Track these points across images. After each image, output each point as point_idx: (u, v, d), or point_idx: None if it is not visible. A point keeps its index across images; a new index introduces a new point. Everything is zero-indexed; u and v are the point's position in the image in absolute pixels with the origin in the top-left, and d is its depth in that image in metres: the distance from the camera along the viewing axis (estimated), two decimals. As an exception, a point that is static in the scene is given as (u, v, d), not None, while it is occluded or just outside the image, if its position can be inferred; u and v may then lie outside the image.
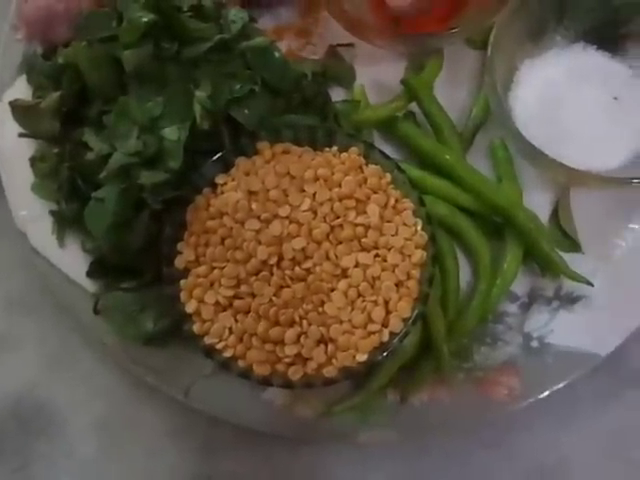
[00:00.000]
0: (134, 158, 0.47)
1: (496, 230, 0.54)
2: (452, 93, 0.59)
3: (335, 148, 0.50)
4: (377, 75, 0.60)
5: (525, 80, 0.56)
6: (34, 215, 0.56)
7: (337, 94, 0.58)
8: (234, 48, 0.50)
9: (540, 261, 0.54)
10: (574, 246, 0.55)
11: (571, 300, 0.53)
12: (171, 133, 0.48)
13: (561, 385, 0.50)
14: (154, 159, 0.48)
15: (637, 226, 0.55)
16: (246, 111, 0.49)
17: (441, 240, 0.53)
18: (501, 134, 0.56)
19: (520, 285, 0.54)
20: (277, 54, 0.51)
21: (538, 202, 0.56)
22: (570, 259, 0.54)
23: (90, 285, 0.54)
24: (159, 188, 0.47)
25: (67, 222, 0.55)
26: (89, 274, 0.53)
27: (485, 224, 0.54)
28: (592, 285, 0.52)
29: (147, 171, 0.47)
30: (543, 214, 0.56)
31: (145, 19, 0.48)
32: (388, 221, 0.48)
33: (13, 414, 0.56)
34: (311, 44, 0.61)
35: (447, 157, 0.54)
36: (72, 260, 0.54)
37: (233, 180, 0.49)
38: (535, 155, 0.52)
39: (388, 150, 0.56)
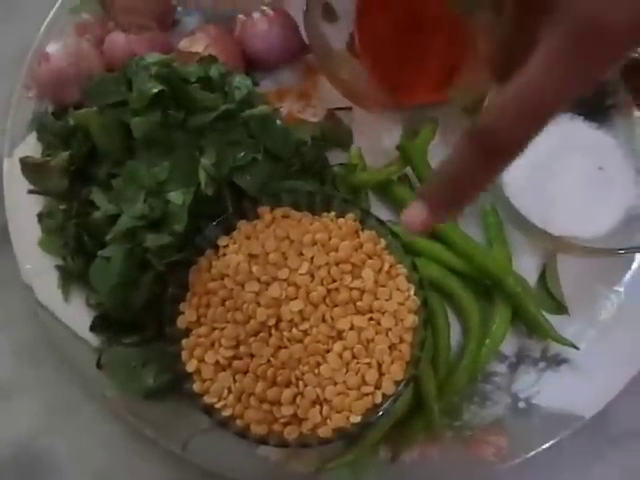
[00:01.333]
0: (140, 221, 0.49)
1: (486, 292, 0.57)
2: (445, 155, 0.61)
3: (333, 213, 0.52)
4: (374, 138, 0.62)
5: (515, 148, 0.58)
6: (40, 269, 0.57)
7: (335, 156, 0.61)
8: (238, 116, 0.52)
9: (528, 323, 0.56)
10: (561, 309, 0.57)
11: (557, 362, 0.55)
12: (176, 197, 0.50)
13: (546, 445, 0.52)
14: (159, 222, 0.50)
15: (622, 289, 0.58)
16: (248, 177, 0.51)
17: (433, 301, 0.55)
18: (492, 200, 0.58)
19: (508, 345, 0.56)
20: (278, 122, 0.54)
21: (526, 265, 0.58)
22: (557, 321, 0.56)
23: (93, 339, 0.55)
24: (164, 250, 0.50)
25: (72, 277, 0.56)
26: (92, 328, 0.55)
27: (475, 286, 0.57)
28: (577, 348, 0.54)
29: (152, 234, 0.50)
30: (531, 277, 0.58)
31: (155, 90, 0.50)
32: (382, 286, 0.50)
33: (13, 462, 0.57)
34: (311, 106, 0.64)
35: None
36: (76, 314, 0.56)
37: (234, 243, 0.51)
38: (523, 223, 0.55)
39: (383, 212, 0.59)
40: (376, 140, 0.62)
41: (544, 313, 0.56)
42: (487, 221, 0.58)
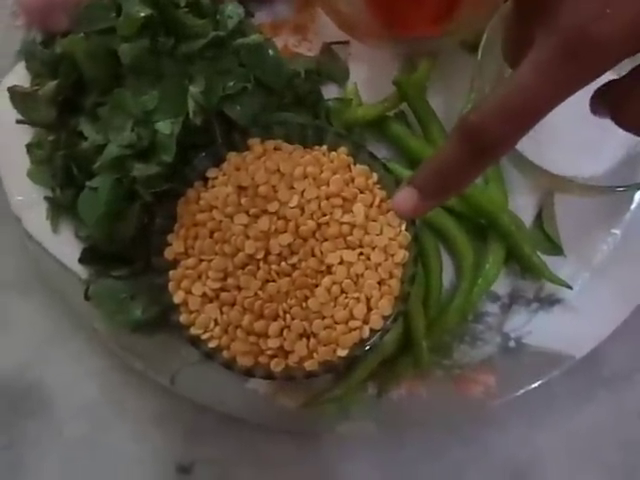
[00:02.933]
0: (128, 150, 0.48)
1: (480, 231, 0.56)
2: (445, 95, 0.60)
3: (325, 147, 0.51)
4: (370, 74, 0.61)
5: (514, 84, 0.57)
6: (29, 201, 0.57)
7: (330, 91, 0.59)
8: (229, 45, 0.50)
9: (522, 263, 0.55)
10: (556, 249, 0.56)
11: (550, 302, 0.55)
12: (165, 127, 0.49)
13: (536, 384, 0.52)
14: (147, 152, 0.49)
15: (618, 231, 0.57)
16: (238, 108, 0.49)
17: (426, 239, 0.54)
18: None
19: (501, 286, 0.55)
20: (271, 52, 0.52)
21: (523, 205, 0.57)
22: (552, 262, 0.55)
23: (82, 271, 0.55)
24: (151, 180, 0.49)
25: (61, 209, 0.56)
26: (81, 260, 0.55)
27: (470, 225, 0.56)
28: (571, 288, 0.54)
29: (140, 163, 0.49)
30: (527, 217, 0.57)
31: (142, 14, 0.48)
32: (373, 220, 0.49)
33: (2, 393, 0.57)
34: (307, 40, 0.62)
35: (435, 158, 0.55)
36: (65, 246, 0.55)
37: (224, 175, 0.50)
38: (520, 160, 0.53)
39: (378, 149, 0.58)
40: (373, 75, 0.60)
41: (539, 254, 0.55)
42: (484, 160, 0.57)
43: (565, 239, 0.56)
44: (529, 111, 0.34)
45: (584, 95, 0.55)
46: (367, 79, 0.60)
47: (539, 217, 0.57)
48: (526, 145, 0.54)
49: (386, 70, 0.60)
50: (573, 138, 0.55)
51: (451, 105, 0.60)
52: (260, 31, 0.56)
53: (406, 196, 0.37)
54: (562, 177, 0.52)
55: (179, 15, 0.50)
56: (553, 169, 0.53)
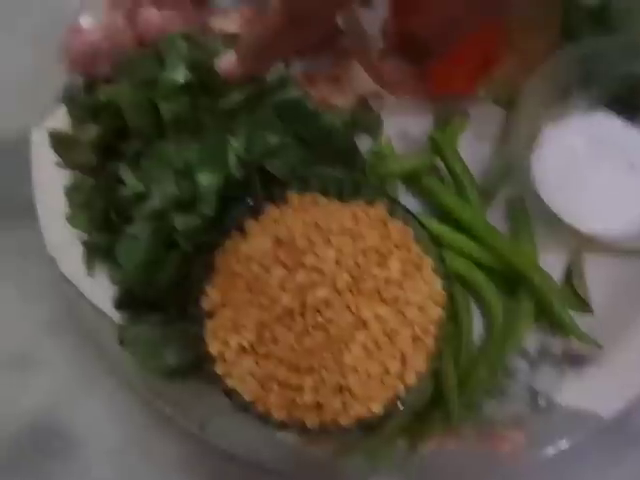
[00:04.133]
0: (170, 203, 0.49)
1: (510, 286, 0.56)
2: (476, 146, 0.61)
3: (361, 202, 0.52)
4: (404, 126, 0.62)
5: (547, 142, 0.58)
6: (65, 243, 0.58)
7: (364, 143, 0.60)
8: (268, 99, 0.52)
9: (551, 320, 0.55)
10: (585, 307, 0.56)
11: (579, 361, 0.55)
12: (206, 179, 0.50)
13: (565, 444, 0.52)
14: (188, 204, 0.50)
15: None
16: (278, 162, 0.50)
17: (457, 294, 0.55)
18: (520, 193, 0.58)
19: (531, 342, 0.56)
20: (310, 106, 0.53)
21: (552, 260, 0.58)
22: (580, 319, 0.56)
23: (116, 315, 0.56)
24: (192, 232, 0.49)
25: (97, 252, 0.56)
26: (116, 305, 0.55)
27: (500, 280, 0.56)
28: (600, 347, 0.54)
29: (181, 215, 0.49)
30: (557, 272, 0.58)
31: (181, 80, 0.50)
32: (409, 277, 0.50)
33: (31, 433, 0.58)
34: (342, 92, 0.63)
35: (467, 215, 0.56)
36: (100, 289, 0.56)
37: (262, 227, 0.51)
38: (551, 218, 0.54)
39: (411, 201, 0.59)
40: (406, 128, 0.62)
41: (569, 310, 0.56)
42: (514, 213, 0.58)
43: (594, 296, 0.57)
44: None
45: (615, 157, 0.56)
46: (400, 131, 0.62)
47: (569, 273, 0.57)
48: (556, 201, 0.55)
49: (419, 123, 0.62)
50: (604, 198, 0.56)
51: (481, 156, 0.61)
52: (298, 85, 0.57)
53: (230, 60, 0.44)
54: (592, 236, 0.53)
55: (218, 79, 0.51)
56: (583, 226, 0.55)
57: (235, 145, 0.49)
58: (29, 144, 0.61)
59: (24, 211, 0.60)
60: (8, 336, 0.59)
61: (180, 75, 0.51)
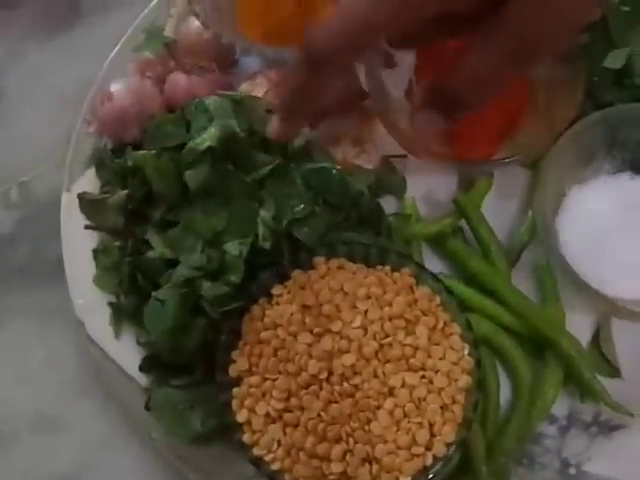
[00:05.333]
0: (198, 272, 0.49)
1: (538, 351, 0.56)
2: (501, 208, 0.61)
3: (388, 267, 0.52)
4: (428, 187, 0.62)
5: (572, 205, 0.58)
6: (93, 305, 0.58)
7: (388, 203, 0.61)
8: (295, 168, 0.52)
9: (580, 386, 0.55)
10: (613, 372, 0.56)
11: (610, 428, 0.54)
12: (233, 248, 0.50)
13: (596, 513, 0.51)
14: (216, 272, 0.50)
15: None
16: (306, 229, 0.51)
17: (484, 358, 0.54)
18: (547, 256, 0.58)
19: (559, 407, 0.55)
20: (336, 173, 0.54)
21: (580, 323, 0.57)
22: (611, 384, 0.55)
23: (142, 378, 0.56)
24: (219, 299, 0.50)
25: (124, 315, 0.57)
26: (142, 368, 0.56)
27: (527, 344, 0.56)
28: (632, 415, 0.53)
29: (209, 283, 0.50)
30: (585, 334, 0.57)
31: (202, 147, 0.51)
32: (436, 344, 0.50)
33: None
34: (366, 152, 0.64)
35: (493, 278, 0.56)
36: (126, 352, 0.57)
37: (289, 292, 0.51)
38: (578, 282, 0.54)
39: (437, 263, 0.59)
40: (430, 189, 0.62)
41: (597, 375, 0.55)
42: (541, 277, 0.58)
43: (623, 361, 0.56)
44: (362, 33, 0.37)
45: (638, 219, 0.56)
46: (425, 193, 0.62)
47: (596, 337, 0.57)
48: (582, 265, 0.55)
49: (443, 184, 0.62)
50: (631, 262, 0.55)
51: (506, 217, 0.61)
52: (324, 149, 0.58)
53: (274, 124, 0.43)
54: (620, 302, 0.53)
55: (244, 147, 0.52)
56: (610, 291, 0.54)
57: (263, 215, 0.50)
58: (59, 206, 0.62)
59: (53, 272, 0.61)
60: (35, 397, 0.60)
61: (205, 142, 0.51)
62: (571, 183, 0.58)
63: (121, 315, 0.57)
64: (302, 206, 0.51)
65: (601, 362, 0.56)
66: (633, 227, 0.57)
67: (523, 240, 0.59)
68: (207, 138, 0.52)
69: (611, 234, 0.57)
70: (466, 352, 0.50)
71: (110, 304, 0.57)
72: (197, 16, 0.58)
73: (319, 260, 0.52)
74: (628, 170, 0.59)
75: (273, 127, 0.43)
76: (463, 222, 0.60)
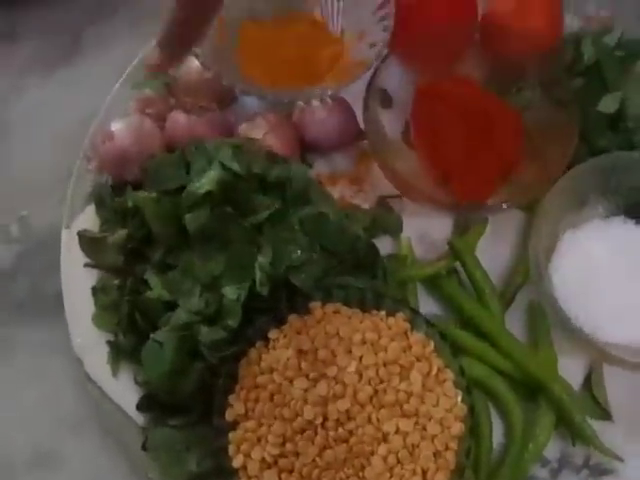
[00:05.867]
0: (196, 316, 0.50)
1: (531, 394, 0.56)
2: (495, 249, 0.62)
3: (383, 312, 0.53)
4: (424, 227, 0.63)
5: (566, 249, 0.59)
6: (91, 343, 0.59)
7: (384, 243, 0.61)
8: (294, 213, 0.53)
9: (571, 430, 0.55)
10: (604, 415, 0.56)
11: (600, 472, 0.55)
12: (231, 292, 0.51)
13: None
14: (213, 316, 0.51)
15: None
16: (303, 276, 0.52)
17: (476, 401, 0.55)
18: (540, 300, 0.58)
19: (551, 450, 0.56)
20: (333, 218, 0.55)
21: (573, 365, 0.58)
22: (601, 426, 0.56)
23: (139, 417, 0.56)
24: (217, 344, 0.50)
25: (123, 353, 0.57)
26: (139, 407, 0.56)
27: (520, 387, 0.56)
28: (621, 460, 0.54)
29: (207, 328, 0.50)
30: (576, 377, 0.58)
31: (202, 191, 0.52)
32: (430, 390, 0.51)
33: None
34: (363, 192, 0.65)
35: (487, 322, 0.56)
36: (124, 390, 0.57)
37: (285, 337, 0.52)
38: (570, 325, 0.55)
39: (431, 303, 0.60)
40: (426, 230, 0.63)
41: (588, 417, 0.56)
42: (534, 320, 0.59)
43: (614, 404, 0.57)
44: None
45: (633, 262, 0.57)
46: (420, 233, 0.63)
47: (588, 379, 0.58)
48: (575, 309, 0.56)
49: (439, 224, 0.63)
50: (622, 307, 0.56)
51: (501, 259, 0.62)
52: (322, 190, 0.59)
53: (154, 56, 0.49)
54: (611, 349, 0.54)
55: (243, 191, 0.52)
56: (602, 335, 0.55)
57: (261, 261, 0.50)
58: (59, 241, 0.62)
59: (52, 307, 0.61)
60: (32, 432, 0.60)
61: (204, 186, 0.52)
62: (565, 227, 0.59)
63: (119, 354, 0.57)
64: (299, 252, 0.51)
65: (592, 405, 0.57)
66: (624, 271, 0.58)
67: (517, 282, 0.60)
68: (206, 182, 0.53)
69: (603, 279, 0.57)
70: (459, 399, 0.50)
71: (108, 342, 0.58)
72: (197, 57, 0.59)
73: (315, 304, 0.53)
74: (621, 214, 0.60)
75: (152, 59, 0.50)
76: (458, 263, 0.60)
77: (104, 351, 0.58)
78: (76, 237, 0.61)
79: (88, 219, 0.62)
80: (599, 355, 0.56)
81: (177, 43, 0.50)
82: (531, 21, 0.63)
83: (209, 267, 0.52)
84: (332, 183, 0.65)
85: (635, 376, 0.57)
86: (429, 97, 0.64)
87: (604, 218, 0.60)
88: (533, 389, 0.56)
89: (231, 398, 0.51)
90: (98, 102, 0.66)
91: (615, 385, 0.57)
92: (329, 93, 0.60)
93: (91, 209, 0.63)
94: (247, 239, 0.52)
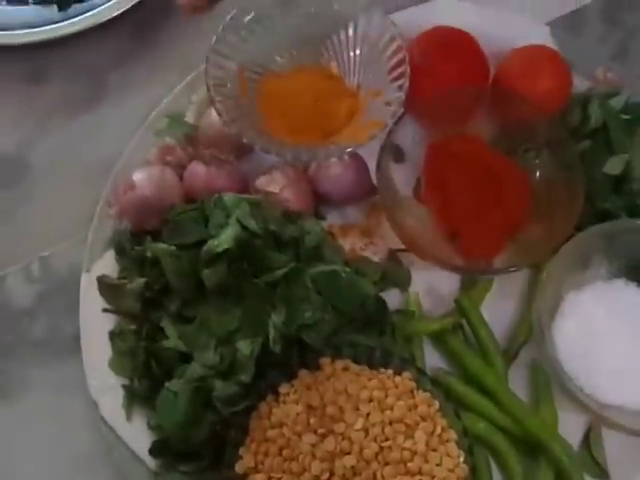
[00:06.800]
0: (210, 370, 0.52)
1: (531, 451, 0.58)
2: (501, 306, 0.64)
3: (390, 371, 0.55)
4: (432, 281, 0.65)
5: (569, 310, 0.60)
6: (106, 386, 0.61)
7: (393, 296, 0.63)
8: (307, 271, 0.55)
9: (570, 488, 0.57)
10: (603, 474, 0.58)
11: (597, 530, 0.57)
12: (245, 347, 0.53)
13: None
14: (227, 370, 0.53)
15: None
16: (314, 334, 0.54)
17: (478, 456, 0.57)
18: (541, 361, 0.60)
19: (550, 507, 0.57)
20: (345, 276, 0.57)
21: (572, 423, 0.60)
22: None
23: (151, 461, 0.58)
24: (229, 398, 0.52)
25: (137, 398, 0.59)
26: (151, 452, 0.58)
27: (521, 444, 0.58)
28: (617, 521, 0.56)
29: (220, 382, 0.52)
30: (576, 434, 0.60)
31: (220, 249, 0.54)
32: (434, 449, 0.52)
33: None
34: (373, 244, 0.67)
35: (490, 380, 0.58)
36: (137, 434, 0.59)
37: (295, 392, 0.54)
38: (571, 385, 0.56)
39: (437, 358, 0.62)
40: (434, 284, 0.65)
41: (586, 476, 0.57)
42: (535, 379, 0.60)
43: (612, 463, 0.58)
44: None
45: (634, 329, 0.59)
46: (428, 286, 0.65)
47: (587, 439, 0.59)
48: (576, 369, 0.57)
49: (447, 279, 0.65)
50: (623, 367, 0.58)
51: (505, 315, 0.64)
52: (334, 245, 0.61)
53: None
54: (610, 411, 0.55)
55: (259, 249, 0.55)
56: (601, 397, 0.57)
57: (275, 319, 0.53)
58: (79, 282, 0.64)
59: (70, 348, 0.64)
60: (45, 471, 0.62)
61: (222, 244, 0.54)
62: (569, 288, 0.61)
63: (134, 398, 0.59)
64: (312, 312, 0.53)
65: (591, 464, 0.59)
66: (624, 334, 0.60)
67: (521, 339, 0.62)
68: (224, 240, 0.55)
69: (604, 341, 0.59)
70: (461, 459, 0.52)
71: (124, 387, 0.60)
72: (220, 114, 0.61)
73: (325, 361, 0.55)
74: (623, 277, 0.62)
75: None
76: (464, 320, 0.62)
77: (119, 395, 0.60)
78: (95, 281, 0.63)
79: (107, 264, 0.64)
80: (595, 419, 0.58)
81: None
82: (539, 85, 0.65)
83: (224, 321, 0.54)
84: (344, 235, 0.66)
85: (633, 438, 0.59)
86: (440, 154, 0.66)
87: (606, 280, 0.62)
88: (533, 447, 0.58)
89: (241, 450, 0.53)
90: (121, 146, 0.69)
91: (613, 444, 0.59)
92: (346, 151, 0.62)
93: (110, 254, 0.65)
94: (262, 296, 0.54)
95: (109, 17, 0.74)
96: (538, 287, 0.60)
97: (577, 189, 0.61)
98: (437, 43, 0.68)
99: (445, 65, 0.65)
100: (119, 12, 0.74)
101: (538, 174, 0.65)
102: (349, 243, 0.66)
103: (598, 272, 0.62)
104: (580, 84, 0.69)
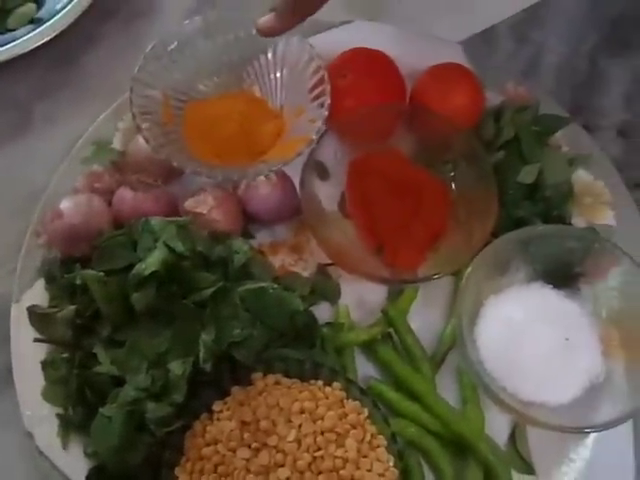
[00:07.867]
0: (143, 392, 0.53)
1: (460, 452, 0.61)
2: (426, 314, 0.66)
3: (320, 382, 0.57)
4: (360, 293, 0.67)
5: (489, 314, 0.63)
6: (41, 416, 0.61)
7: (322, 309, 0.65)
8: (235, 290, 0.56)
9: (498, 485, 0.60)
10: (528, 469, 0.61)
11: (526, 526, 0.59)
12: (177, 367, 0.54)
13: None
14: (160, 392, 0.54)
15: (588, 451, 0.62)
16: (244, 351, 0.55)
17: (410, 458, 0.59)
18: (467, 360, 0.63)
19: (481, 506, 0.60)
20: (272, 292, 0.58)
21: (499, 422, 0.62)
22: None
23: (89, 489, 0.58)
24: (163, 419, 0.53)
25: (72, 426, 0.60)
26: (88, 479, 0.58)
27: (450, 445, 0.60)
28: (543, 515, 0.58)
29: (153, 404, 0.53)
30: (503, 433, 0.62)
31: (147, 272, 0.55)
32: (364, 456, 0.54)
33: None
34: (303, 260, 0.68)
35: (419, 385, 0.61)
36: (74, 462, 0.59)
37: (228, 409, 0.55)
38: (494, 386, 0.59)
39: (369, 367, 0.64)
40: (363, 296, 0.67)
41: (513, 471, 0.60)
42: (462, 381, 0.63)
43: (537, 457, 0.61)
44: None
45: (550, 330, 0.62)
46: (357, 298, 0.67)
47: (513, 436, 0.62)
48: (498, 370, 0.60)
49: (375, 290, 0.67)
50: (542, 369, 0.61)
51: (432, 322, 0.66)
52: (261, 251, 0.62)
53: (268, 19, 0.57)
54: (531, 410, 0.58)
55: (187, 270, 0.56)
56: (524, 396, 0.59)
57: (204, 338, 0.54)
58: (8, 313, 0.64)
59: (2, 380, 0.63)
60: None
61: (150, 267, 0.55)
62: (488, 293, 0.64)
63: (69, 426, 0.59)
64: (241, 330, 0.55)
65: (517, 460, 0.61)
66: (541, 336, 0.62)
67: (447, 344, 0.64)
68: (152, 263, 0.56)
69: (523, 342, 0.62)
70: (391, 464, 0.54)
71: (58, 416, 0.60)
72: (147, 141, 0.62)
73: (257, 376, 0.56)
74: (540, 280, 0.65)
75: (265, 22, 0.57)
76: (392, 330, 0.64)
77: (54, 424, 0.60)
78: (25, 312, 0.63)
79: (37, 294, 0.65)
80: (517, 417, 0.60)
81: (294, 10, 0.54)
82: (453, 101, 0.68)
83: (155, 344, 0.55)
84: (274, 252, 0.68)
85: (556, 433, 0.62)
86: (362, 170, 0.68)
87: (524, 284, 0.65)
88: (462, 447, 0.60)
89: (177, 470, 0.54)
90: (48, 175, 0.69)
91: (537, 441, 0.62)
92: (274, 169, 0.64)
93: (40, 284, 0.65)
94: (191, 316, 0.56)
95: (33, 47, 0.74)
96: (459, 292, 0.62)
97: (492, 198, 0.64)
98: (356, 62, 0.70)
99: (364, 83, 0.68)
100: (42, 42, 0.74)
101: (455, 185, 0.68)
102: (279, 260, 0.68)
103: (516, 276, 0.65)
104: (493, 98, 0.72)
